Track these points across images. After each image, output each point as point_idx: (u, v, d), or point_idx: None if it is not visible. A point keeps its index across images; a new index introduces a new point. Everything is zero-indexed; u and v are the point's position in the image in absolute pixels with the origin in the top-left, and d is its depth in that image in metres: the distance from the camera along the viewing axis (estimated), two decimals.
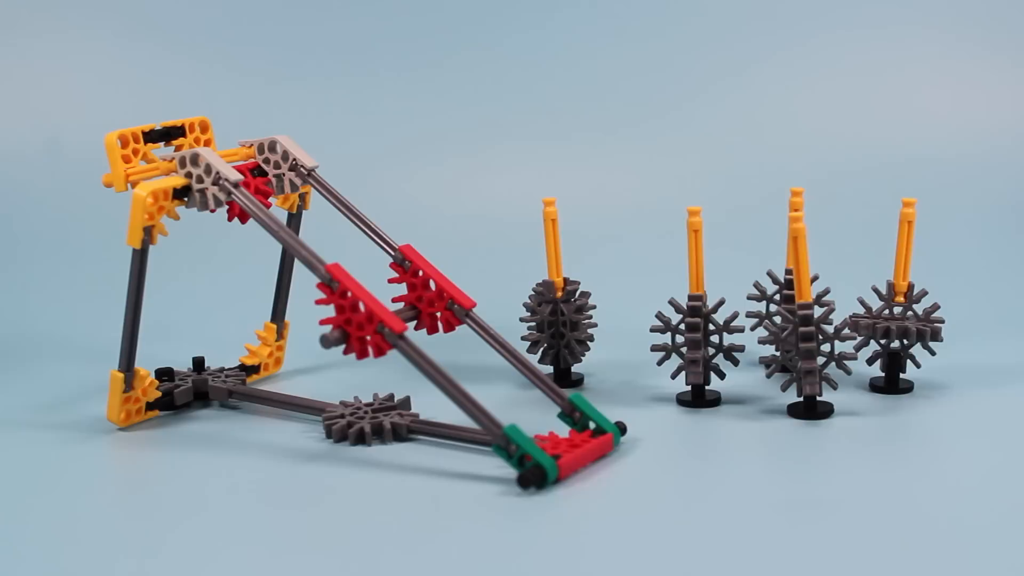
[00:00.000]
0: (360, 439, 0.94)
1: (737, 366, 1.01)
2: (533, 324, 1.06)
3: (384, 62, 1.64)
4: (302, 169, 1.03)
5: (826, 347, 0.96)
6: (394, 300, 0.98)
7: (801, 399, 0.96)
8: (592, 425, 0.91)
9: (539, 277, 1.06)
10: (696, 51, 1.63)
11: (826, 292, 0.98)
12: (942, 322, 1.01)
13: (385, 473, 0.89)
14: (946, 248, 1.38)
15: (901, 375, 1.02)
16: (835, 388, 0.96)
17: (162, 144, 1.00)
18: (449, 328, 0.98)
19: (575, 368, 1.09)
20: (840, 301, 0.99)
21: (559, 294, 1.05)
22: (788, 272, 1.05)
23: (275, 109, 1.61)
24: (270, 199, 0.98)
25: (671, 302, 1.01)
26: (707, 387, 1.01)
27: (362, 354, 0.88)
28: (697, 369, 0.98)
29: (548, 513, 0.81)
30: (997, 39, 1.61)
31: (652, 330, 1.02)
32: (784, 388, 0.97)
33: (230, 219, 0.99)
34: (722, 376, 1.00)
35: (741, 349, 1.00)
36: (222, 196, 0.95)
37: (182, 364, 1.09)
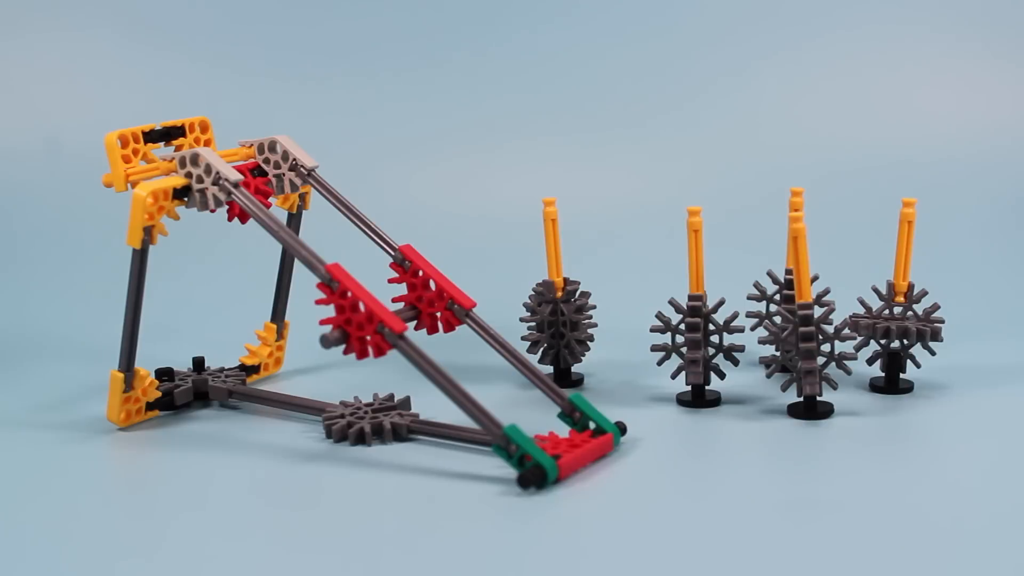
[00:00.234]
0: (360, 439, 0.94)
1: (737, 366, 1.01)
2: (533, 324, 1.06)
3: (384, 62, 1.64)
4: (302, 169, 1.02)
5: (826, 347, 0.96)
6: (394, 300, 0.98)
7: (801, 399, 0.96)
8: (592, 425, 0.91)
9: (539, 277, 1.06)
10: (696, 51, 1.63)
11: (826, 292, 0.98)
12: (942, 322, 1.01)
13: (385, 473, 0.89)
14: (946, 248, 1.38)
15: (901, 375, 1.02)
16: (835, 388, 0.96)
17: (162, 144, 1.00)
18: (449, 328, 0.98)
19: (575, 368, 1.09)
20: (840, 301, 0.99)
21: (559, 294, 1.05)
22: (788, 272, 1.05)
23: (275, 109, 1.61)
24: (270, 199, 0.98)
25: (671, 302, 1.01)
26: (707, 387, 1.01)
27: (362, 354, 0.88)
28: (697, 369, 0.98)
29: (548, 513, 0.81)
30: (997, 39, 1.61)
31: (652, 330, 1.02)
32: (784, 388, 0.97)
33: (230, 219, 0.99)
34: (722, 376, 1.00)
35: (741, 349, 1.00)
36: (222, 196, 0.95)
37: (182, 364, 1.09)
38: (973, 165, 1.53)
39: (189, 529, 0.82)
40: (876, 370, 1.04)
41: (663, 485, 0.86)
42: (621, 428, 0.92)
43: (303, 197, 1.08)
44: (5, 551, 0.79)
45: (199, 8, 1.67)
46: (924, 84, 1.60)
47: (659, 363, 1.02)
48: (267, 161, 1.02)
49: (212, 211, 0.96)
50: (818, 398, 0.96)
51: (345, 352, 0.89)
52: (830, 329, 0.96)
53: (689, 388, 1.01)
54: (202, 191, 0.95)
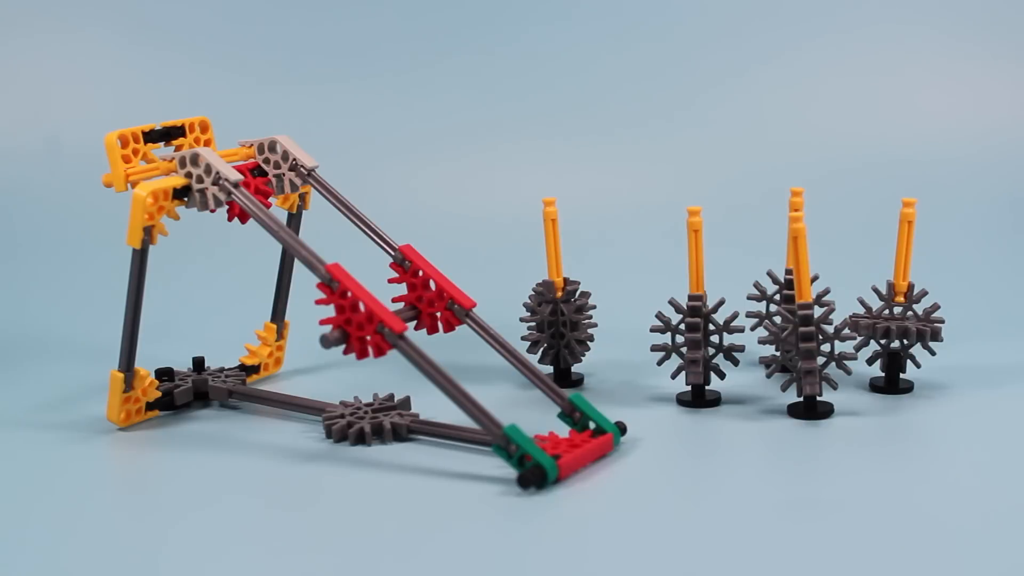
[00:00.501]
0: (360, 439, 0.94)
1: (737, 366, 1.01)
2: (533, 324, 1.06)
3: (384, 62, 1.64)
4: (302, 169, 1.02)
5: (826, 347, 0.96)
6: (394, 300, 0.98)
7: (801, 399, 0.96)
8: (592, 425, 0.91)
9: (539, 277, 1.06)
10: (696, 52, 1.63)
11: (826, 292, 0.98)
12: (942, 322, 1.01)
13: (385, 473, 0.89)
14: (946, 248, 1.38)
15: (901, 375, 1.02)
16: (835, 388, 0.96)
17: (162, 144, 1.00)
18: (449, 328, 0.98)
19: (575, 368, 1.09)
20: (840, 301, 0.99)
21: (559, 294, 1.05)
22: (788, 272, 1.05)
23: (275, 109, 1.61)
24: (270, 199, 0.98)
25: (671, 302, 1.01)
26: (707, 387, 1.01)
27: (362, 354, 0.88)
28: (697, 369, 0.98)
29: (548, 513, 0.81)
30: (997, 39, 1.61)
31: (652, 330, 1.02)
32: (784, 388, 0.97)
33: (230, 219, 0.99)
34: (722, 376, 1.00)
35: (741, 349, 1.00)
36: (222, 196, 0.95)
37: (182, 364, 1.09)
38: (973, 165, 1.53)
39: (189, 529, 0.82)
40: (876, 370, 1.04)
41: (663, 485, 0.86)
42: (621, 428, 0.92)
43: (303, 197, 1.08)
44: (5, 551, 0.79)
45: (200, 8, 1.67)
46: (924, 84, 1.60)
47: (659, 363, 1.02)
48: (267, 161, 1.02)
49: (212, 211, 0.96)
50: (818, 398, 0.96)
51: (345, 352, 0.89)
52: (830, 329, 0.96)
53: (689, 388, 1.01)
54: (202, 191, 0.95)
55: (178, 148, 1.01)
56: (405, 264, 0.98)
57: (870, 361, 1.02)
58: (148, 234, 0.94)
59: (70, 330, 1.27)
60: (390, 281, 0.98)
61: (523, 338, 1.05)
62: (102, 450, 0.96)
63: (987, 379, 1.03)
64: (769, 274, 1.08)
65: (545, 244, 1.04)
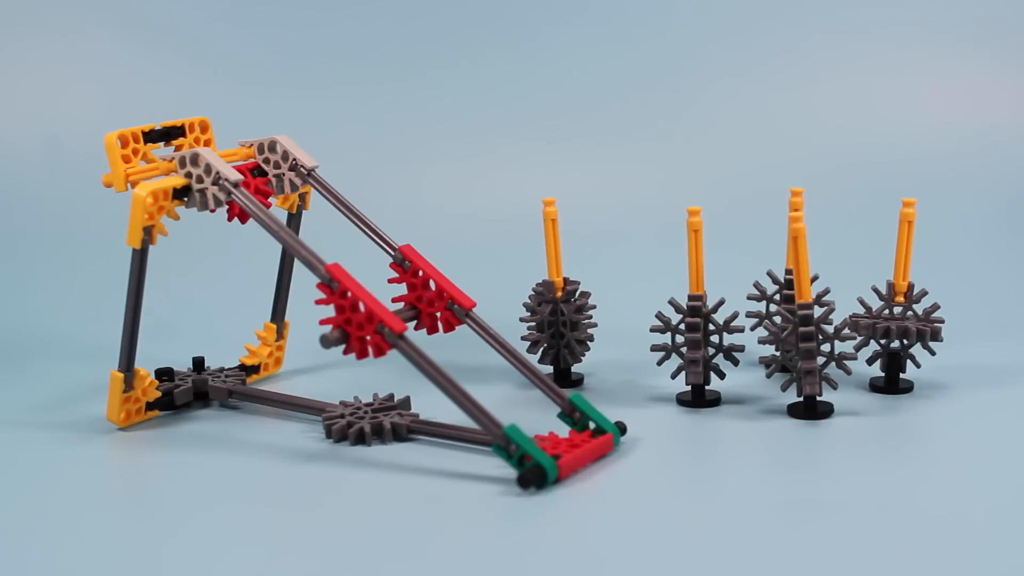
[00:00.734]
0: (360, 439, 0.94)
1: (737, 366, 1.01)
2: (533, 324, 1.06)
3: (385, 62, 1.64)
4: (302, 169, 1.03)
5: (826, 347, 0.96)
6: (394, 300, 0.98)
7: (801, 399, 0.96)
8: (592, 425, 0.91)
9: (539, 277, 1.06)
10: (696, 52, 1.63)
11: (826, 292, 0.98)
12: (942, 322, 1.01)
13: (385, 473, 0.89)
14: (946, 248, 1.38)
15: (901, 375, 1.02)
16: (835, 388, 0.96)
17: (162, 144, 1.00)
18: (449, 328, 0.98)
19: (575, 368, 1.09)
20: (840, 301, 0.99)
21: (559, 294, 1.05)
22: (788, 272, 1.05)
23: (275, 109, 1.61)
24: (270, 199, 0.98)
25: (671, 302, 1.01)
26: (707, 387, 1.01)
27: (362, 354, 0.88)
28: (697, 369, 0.98)
29: (548, 513, 0.81)
30: (997, 39, 1.61)
31: (652, 330, 1.02)
32: (784, 388, 0.97)
33: (230, 219, 0.99)
34: (722, 376, 1.00)
35: (741, 349, 1.00)
36: (222, 196, 0.95)
37: (182, 364, 1.09)
38: (973, 164, 1.53)
39: (189, 529, 0.82)
40: (876, 370, 1.04)
41: (663, 485, 0.86)
42: (621, 428, 0.92)
43: (303, 197, 1.08)
44: (6, 551, 0.79)
45: (200, 8, 1.67)
46: (924, 84, 1.60)
47: (659, 363, 1.02)
48: (267, 161, 1.02)
49: (212, 211, 0.96)
50: (818, 398, 0.96)
51: (345, 352, 0.89)
52: (830, 329, 0.96)
53: (689, 388, 1.01)
54: (202, 191, 0.95)
55: (178, 148, 1.01)
56: (405, 264, 0.98)
57: (870, 361, 1.02)
58: (148, 234, 0.94)
59: (70, 330, 1.27)
60: (390, 281, 0.98)
61: (523, 338, 1.05)
62: (102, 450, 0.96)
63: (987, 379, 1.03)
64: (769, 274, 1.08)
65: (545, 244, 1.04)
